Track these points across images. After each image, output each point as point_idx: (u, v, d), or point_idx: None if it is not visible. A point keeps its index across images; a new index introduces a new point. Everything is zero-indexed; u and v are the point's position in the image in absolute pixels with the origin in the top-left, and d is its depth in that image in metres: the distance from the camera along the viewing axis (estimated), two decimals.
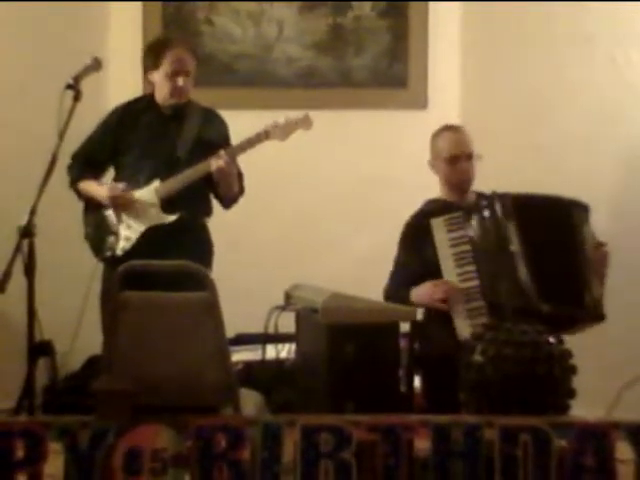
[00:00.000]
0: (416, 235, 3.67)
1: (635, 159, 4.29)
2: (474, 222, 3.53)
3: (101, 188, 3.84)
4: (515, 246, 3.45)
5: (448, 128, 3.81)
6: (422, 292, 3.55)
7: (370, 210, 4.82)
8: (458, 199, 3.73)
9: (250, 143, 3.78)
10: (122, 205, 3.79)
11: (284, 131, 3.82)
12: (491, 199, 3.55)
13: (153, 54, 3.87)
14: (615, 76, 4.34)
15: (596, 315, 3.53)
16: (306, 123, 3.84)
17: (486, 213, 3.52)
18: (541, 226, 3.51)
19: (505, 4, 4.66)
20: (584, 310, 3.51)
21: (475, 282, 3.50)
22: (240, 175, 3.90)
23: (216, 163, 3.72)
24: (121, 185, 3.80)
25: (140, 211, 3.80)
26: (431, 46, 4.97)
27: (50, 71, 4.12)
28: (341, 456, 2.21)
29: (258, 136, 3.79)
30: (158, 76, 3.85)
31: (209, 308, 3.16)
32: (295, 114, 3.84)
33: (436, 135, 3.79)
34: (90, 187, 3.89)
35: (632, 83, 4.29)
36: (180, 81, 3.81)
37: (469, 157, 3.71)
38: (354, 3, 5.00)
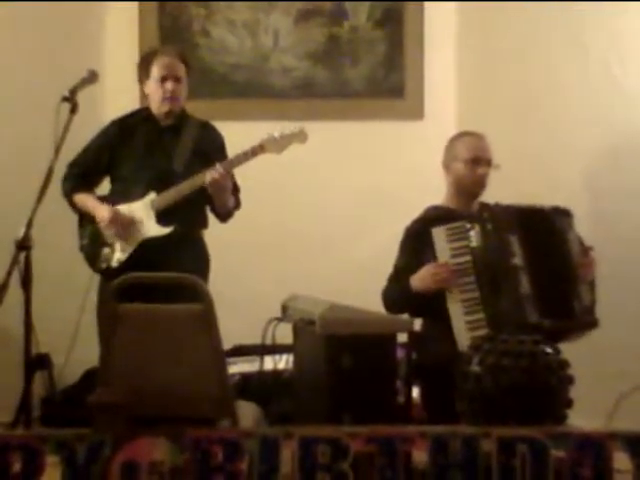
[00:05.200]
0: (417, 241, 3.65)
1: (629, 165, 4.30)
2: (476, 233, 3.50)
3: (101, 208, 3.82)
4: (518, 260, 3.44)
5: (471, 133, 3.80)
6: (422, 276, 3.53)
7: (367, 220, 4.82)
8: (462, 207, 3.71)
9: (245, 157, 3.78)
10: (121, 226, 3.78)
11: (279, 144, 3.81)
12: (494, 211, 3.55)
13: (144, 65, 3.91)
14: (609, 84, 4.35)
15: (587, 323, 3.54)
16: (301, 136, 3.84)
17: (489, 225, 3.50)
18: (538, 239, 3.51)
19: (501, 14, 4.67)
20: (575, 320, 3.51)
21: (475, 294, 3.49)
22: (236, 189, 3.90)
23: (210, 176, 3.72)
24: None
25: (136, 223, 3.79)
26: (427, 56, 4.97)
27: (46, 84, 4.13)
28: (339, 468, 2.20)
29: (253, 150, 3.78)
30: (150, 85, 3.87)
31: (205, 320, 3.15)
32: (290, 127, 3.84)
33: (456, 138, 3.79)
34: (88, 202, 3.88)
35: (626, 91, 4.30)
36: (169, 85, 3.82)
37: (488, 163, 3.70)
38: (350, 13, 5.01)
